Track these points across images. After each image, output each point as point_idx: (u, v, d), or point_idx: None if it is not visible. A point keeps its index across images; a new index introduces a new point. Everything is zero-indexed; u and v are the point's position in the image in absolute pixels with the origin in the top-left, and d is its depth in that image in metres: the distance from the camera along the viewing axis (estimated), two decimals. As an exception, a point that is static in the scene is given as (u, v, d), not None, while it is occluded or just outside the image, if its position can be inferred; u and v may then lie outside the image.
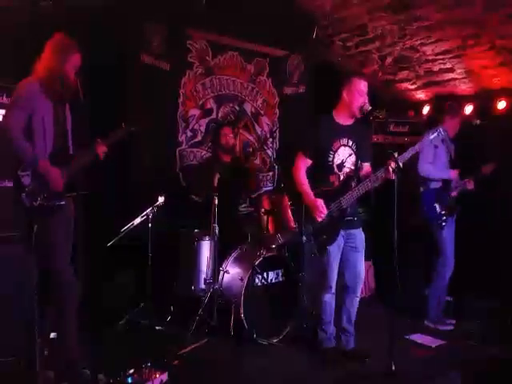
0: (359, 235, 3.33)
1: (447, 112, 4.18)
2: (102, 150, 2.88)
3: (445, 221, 4.06)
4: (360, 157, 3.31)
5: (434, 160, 4.06)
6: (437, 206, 4.07)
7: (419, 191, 4.17)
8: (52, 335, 2.93)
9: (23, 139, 2.59)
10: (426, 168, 4.04)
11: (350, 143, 3.29)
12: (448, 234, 4.10)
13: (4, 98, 3.39)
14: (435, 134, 3.34)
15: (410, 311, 4.16)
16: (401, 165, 3.01)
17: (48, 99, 2.67)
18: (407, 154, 3.14)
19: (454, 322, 4.13)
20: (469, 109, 5.10)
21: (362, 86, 3.20)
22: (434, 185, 4.11)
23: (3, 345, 2.88)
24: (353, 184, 3.20)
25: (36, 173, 2.59)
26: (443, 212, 4.06)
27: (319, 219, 3.15)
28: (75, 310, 2.76)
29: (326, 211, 3.15)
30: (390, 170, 3.03)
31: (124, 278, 4.22)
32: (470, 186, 4.16)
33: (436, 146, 4.00)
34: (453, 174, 4.12)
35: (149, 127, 3.74)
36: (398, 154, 3.07)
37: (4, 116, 2.70)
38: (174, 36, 4.67)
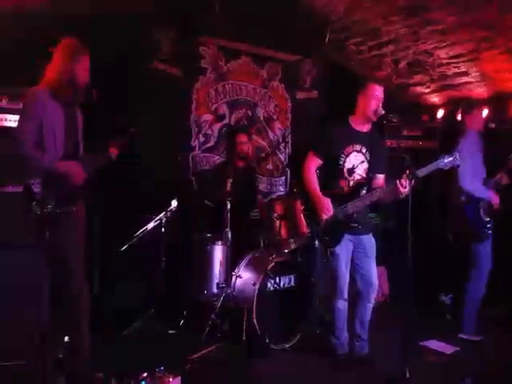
0: (368, 241, 3.31)
1: (465, 113, 4.08)
2: (113, 152, 2.91)
3: (490, 229, 3.88)
4: (374, 167, 3.30)
5: (472, 170, 3.84)
6: (482, 214, 3.89)
7: (459, 200, 3.92)
8: (67, 338, 2.95)
9: (36, 150, 2.60)
10: (469, 182, 3.83)
11: (364, 150, 3.28)
12: (489, 244, 3.91)
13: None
14: (450, 159, 3.14)
15: (425, 317, 4.12)
16: (416, 179, 2.98)
17: (58, 104, 2.69)
18: (422, 173, 3.07)
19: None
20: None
21: (378, 91, 3.20)
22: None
23: (15, 348, 2.89)
24: (362, 192, 3.20)
25: (46, 180, 2.61)
26: (488, 219, 3.89)
27: (324, 217, 3.15)
28: (87, 312, 2.78)
29: (332, 210, 3.15)
30: (401, 185, 2.99)
31: (137, 282, 4.25)
32: (505, 180, 3.98)
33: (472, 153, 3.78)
34: (494, 198, 3.89)
35: (152, 128, 3.73)
36: (413, 161, 3.03)
37: (16, 129, 2.71)
38: (186, 42, 4.71)
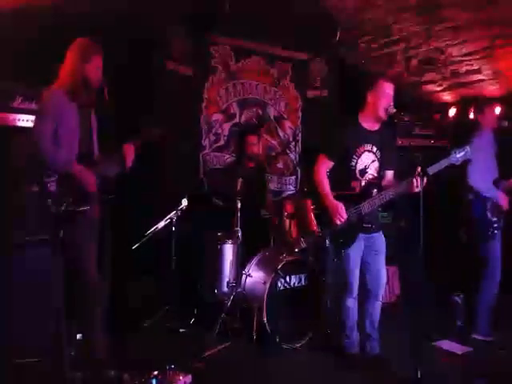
0: (379, 238, 3.30)
1: (478, 112, 4.04)
2: (129, 151, 2.90)
3: (497, 228, 3.83)
4: (383, 164, 3.28)
5: (484, 168, 3.80)
6: (488, 213, 3.84)
7: (467, 198, 3.89)
8: (78, 336, 2.98)
9: (53, 148, 2.63)
10: (478, 180, 3.79)
11: (375, 149, 3.26)
12: (498, 243, 3.86)
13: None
14: (462, 153, 3.14)
15: (437, 317, 4.08)
16: (427, 176, 2.96)
17: (73, 103, 2.71)
18: (435, 168, 3.06)
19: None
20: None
21: (388, 88, 3.18)
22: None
23: (30, 346, 2.92)
24: (374, 192, 3.18)
25: (62, 179, 2.63)
26: (494, 219, 3.84)
27: (338, 223, 3.13)
28: (102, 311, 2.80)
29: (345, 215, 3.13)
30: (414, 183, 2.99)
31: (148, 281, 4.27)
32: None
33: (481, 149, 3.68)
34: (502, 199, 3.83)
35: (169, 132, 3.74)
36: (424, 158, 3.02)
37: (32, 129, 2.73)
38: (197, 42, 4.73)
